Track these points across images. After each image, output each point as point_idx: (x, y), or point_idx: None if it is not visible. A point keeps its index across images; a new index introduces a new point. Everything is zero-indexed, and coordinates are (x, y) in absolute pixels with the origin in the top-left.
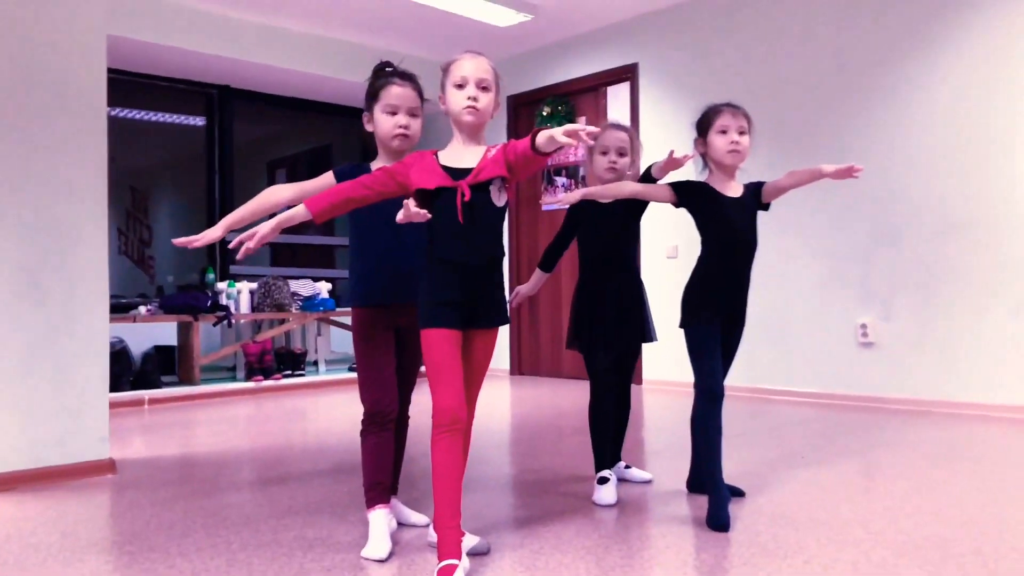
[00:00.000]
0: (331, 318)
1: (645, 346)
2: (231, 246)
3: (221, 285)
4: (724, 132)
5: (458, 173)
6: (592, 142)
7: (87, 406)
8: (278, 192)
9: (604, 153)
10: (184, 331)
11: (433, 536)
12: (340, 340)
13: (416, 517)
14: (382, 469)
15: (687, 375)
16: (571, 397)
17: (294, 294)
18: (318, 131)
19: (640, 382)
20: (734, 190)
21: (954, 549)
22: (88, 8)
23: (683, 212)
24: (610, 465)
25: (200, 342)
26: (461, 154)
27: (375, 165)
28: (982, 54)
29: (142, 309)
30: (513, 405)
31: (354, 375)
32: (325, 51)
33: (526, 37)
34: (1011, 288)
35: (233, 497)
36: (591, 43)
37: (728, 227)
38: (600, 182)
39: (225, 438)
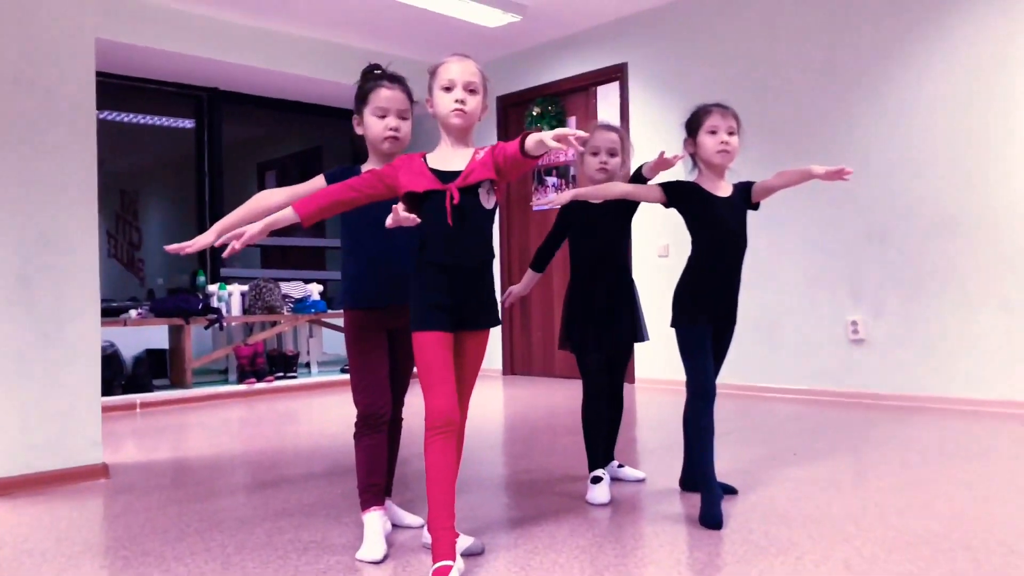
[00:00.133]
0: (323, 320)
1: (637, 345)
2: (217, 244)
3: (212, 288)
4: (714, 132)
5: (447, 176)
6: (582, 148)
7: (79, 411)
8: (269, 196)
9: (595, 154)
10: (175, 334)
11: (427, 537)
12: (332, 342)
13: (410, 518)
14: (376, 471)
15: (679, 373)
16: (563, 397)
17: (285, 296)
18: (308, 133)
19: (632, 381)
20: (724, 190)
21: (944, 544)
22: (77, 12)
23: (674, 211)
24: (603, 464)
25: (192, 345)
26: (449, 157)
27: (366, 168)
28: (970, 56)
29: (133, 312)
30: (506, 405)
31: (346, 377)
32: (314, 53)
33: (515, 37)
34: (999, 285)
35: (227, 500)
36: (580, 43)
37: (718, 227)
38: (591, 182)
39: (218, 441)
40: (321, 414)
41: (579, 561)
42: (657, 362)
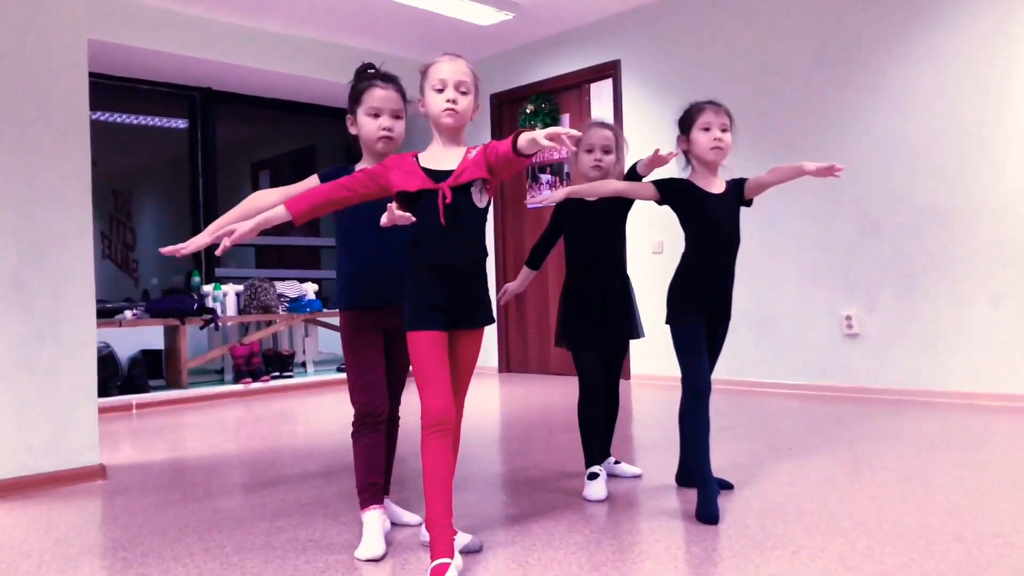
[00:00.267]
0: (318, 319)
1: (632, 342)
2: (210, 241)
3: (207, 288)
4: (707, 129)
5: (439, 175)
6: (575, 147)
7: (75, 412)
8: (263, 197)
9: (589, 151)
10: (171, 335)
11: (426, 535)
12: (328, 341)
13: (408, 516)
14: (374, 470)
15: (674, 369)
16: (559, 394)
17: (280, 295)
18: (301, 132)
19: (628, 377)
20: (717, 187)
21: (938, 537)
22: (69, 12)
23: (668, 208)
24: (599, 461)
25: (187, 345)
26: (441, 156)
27: (360, 167)
28: (961, 49)
29: (128, 313)
30: (502, 403)
31: (343, 376)
32: (307, 52)
33: (508, 35)
34: (991, 278)
35: (225, 500)
36: (573, 40)
37: (711, 223)
38: (585, 180)
39: (215, 441)
40: (317, 413)
41: (576, 557)
42: (653, 358)
